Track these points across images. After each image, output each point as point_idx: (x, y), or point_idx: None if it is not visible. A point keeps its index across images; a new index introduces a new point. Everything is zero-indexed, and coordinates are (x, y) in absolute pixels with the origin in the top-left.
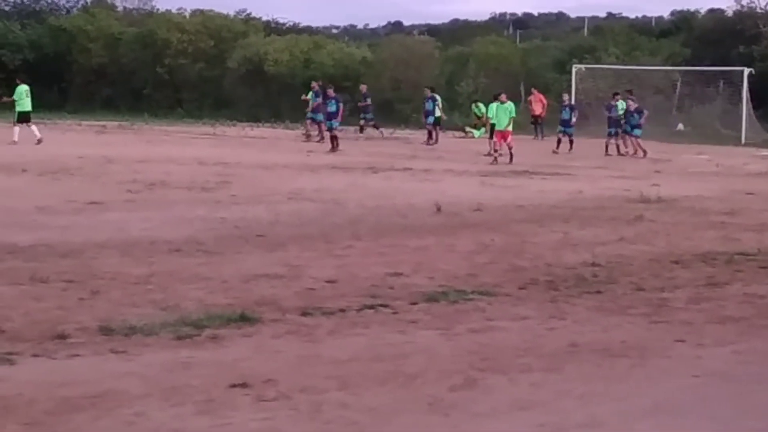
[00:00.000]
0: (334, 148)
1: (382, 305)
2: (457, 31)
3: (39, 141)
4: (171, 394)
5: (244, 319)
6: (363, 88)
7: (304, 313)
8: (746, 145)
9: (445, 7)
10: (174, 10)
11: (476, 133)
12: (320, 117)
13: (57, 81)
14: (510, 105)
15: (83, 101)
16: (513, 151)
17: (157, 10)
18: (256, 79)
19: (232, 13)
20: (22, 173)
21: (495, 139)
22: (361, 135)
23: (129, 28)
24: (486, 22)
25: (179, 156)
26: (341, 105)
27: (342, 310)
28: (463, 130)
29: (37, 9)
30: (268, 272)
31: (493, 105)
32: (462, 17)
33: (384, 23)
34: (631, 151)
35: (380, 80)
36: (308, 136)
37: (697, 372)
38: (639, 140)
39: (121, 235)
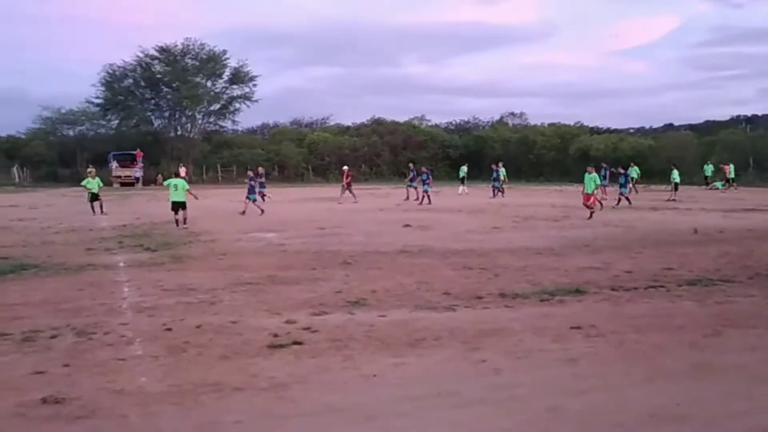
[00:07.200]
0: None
1: (660, 286)
2: None
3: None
4: (537, 331)
5: (578, 291)
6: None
7: (613, 289)
8: None
9: None
10: (538, 124)
11: (719, 185)
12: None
13: (477, 163)
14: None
15: (487, 174)
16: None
17: (529, 123)
18: None
19: (571, 122)
20: (458, 212)
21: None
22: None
23: (515, 134)
24: None
25: (538, 202)
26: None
27: (635, 288)
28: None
29: (467, 126)
30: (591, 265)
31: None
32: None
33: None
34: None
35: None
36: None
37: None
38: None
39: (509, 245)
